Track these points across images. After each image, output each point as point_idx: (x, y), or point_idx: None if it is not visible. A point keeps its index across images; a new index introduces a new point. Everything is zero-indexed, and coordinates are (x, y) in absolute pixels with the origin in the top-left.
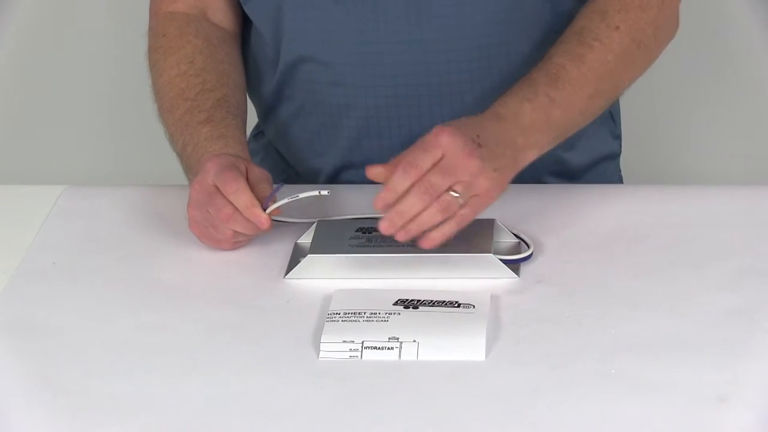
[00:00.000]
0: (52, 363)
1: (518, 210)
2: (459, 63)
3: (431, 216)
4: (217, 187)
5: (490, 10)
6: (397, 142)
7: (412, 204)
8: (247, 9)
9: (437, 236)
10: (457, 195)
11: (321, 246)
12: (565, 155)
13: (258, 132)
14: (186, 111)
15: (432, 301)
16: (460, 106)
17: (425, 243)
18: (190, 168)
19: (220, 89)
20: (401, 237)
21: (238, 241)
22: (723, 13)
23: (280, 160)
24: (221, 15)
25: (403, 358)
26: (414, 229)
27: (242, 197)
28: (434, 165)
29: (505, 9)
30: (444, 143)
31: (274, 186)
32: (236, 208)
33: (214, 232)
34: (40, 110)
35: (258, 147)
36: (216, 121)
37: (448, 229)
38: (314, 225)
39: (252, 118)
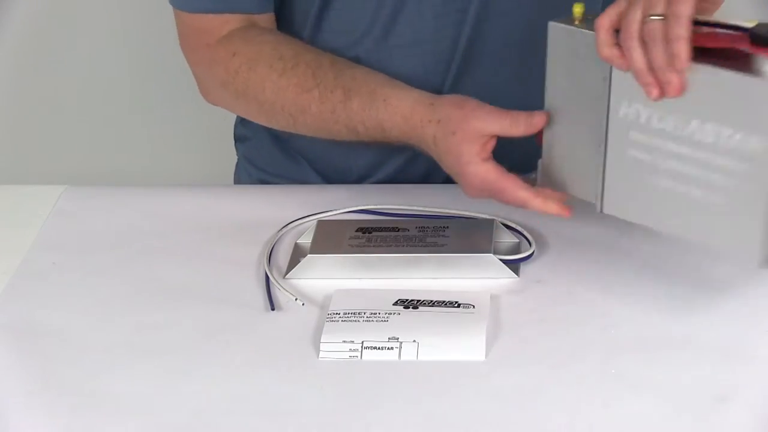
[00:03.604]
0: (52, 363)
1: (518, 210)
2: (501, 58)
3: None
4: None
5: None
6: None
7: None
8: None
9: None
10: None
11: (321, 246)
12: None
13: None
14: (317, 85)
15: (432, 301)
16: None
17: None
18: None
19: (328, 55)
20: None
21: None
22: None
23: (275, 150)
24: (264, 23)
25: (403, 358)
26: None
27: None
28: None
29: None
30: None
31: None
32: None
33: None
34: (40, 110)
35: (248, 132)
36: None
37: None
38: (314, 225)
39: None
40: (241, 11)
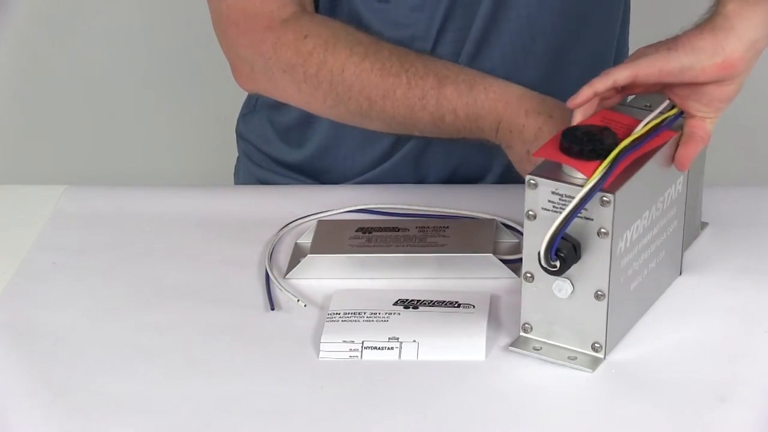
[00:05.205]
0: (52, 363)
1: (518, 210)
2: (527, 60)
3: None
4: None
5: (562, 10)
6: None
7: None
8: None
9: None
10: None
11: (321, 246)
12: None
13: (247, 112)
14: (403, 70)
15: (432, 301)
16: None
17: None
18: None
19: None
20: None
21: None
22: None
23: (267, 148)
24: (310, 5)
25: (403, 358)
26: None
27: None
28: None
29: (579, 8)
30: None
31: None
32: None
33: None
34: (40, 110)
35: (247, 130)
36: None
37: None
38: (314, 225)
39: (239, 96)
40: None
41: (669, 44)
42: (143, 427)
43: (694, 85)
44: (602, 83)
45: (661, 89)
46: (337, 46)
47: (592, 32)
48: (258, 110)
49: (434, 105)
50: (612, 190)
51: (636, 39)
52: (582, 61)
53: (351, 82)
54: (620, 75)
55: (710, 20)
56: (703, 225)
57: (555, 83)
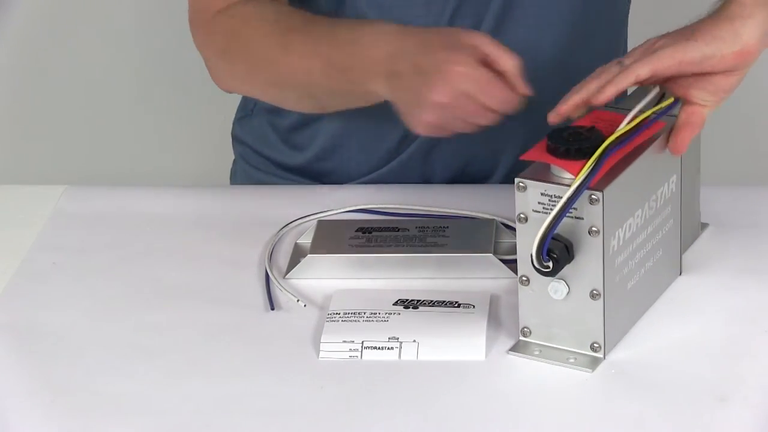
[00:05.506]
0: (52, 363)
1: None
2: (536, 60)
3: None
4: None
5: (567, 10)
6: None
7: None
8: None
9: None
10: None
11: (321, 246)
12: None
13: (244, 115)
14: (305, 24)
15: (432, 301)
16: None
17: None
18: (353, 43)
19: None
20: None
21: None
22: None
23: (267, 151)
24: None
25: (403, 358)
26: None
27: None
28: None
29: (583, 8)
30: None
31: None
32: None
33: (471, 118)
34: (40, 110)
35: (244, 133)
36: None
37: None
38: (314, 225)
39: (235, 98)
40: None
41: (686, 34)
42: (143, 427)
43: (703, 73)
44: (626, 81)
45: (663, 80)
46: (251, 21)
47: (600, 32)
48: (257, 114)
49: (326, 45)
50: (600, 187)
51: (637, 39)
52: (590, 61)
53: (257, 49)
54: (642, 71)
55: (724, 9)
56: (703, 226)
57: (564, 82)
